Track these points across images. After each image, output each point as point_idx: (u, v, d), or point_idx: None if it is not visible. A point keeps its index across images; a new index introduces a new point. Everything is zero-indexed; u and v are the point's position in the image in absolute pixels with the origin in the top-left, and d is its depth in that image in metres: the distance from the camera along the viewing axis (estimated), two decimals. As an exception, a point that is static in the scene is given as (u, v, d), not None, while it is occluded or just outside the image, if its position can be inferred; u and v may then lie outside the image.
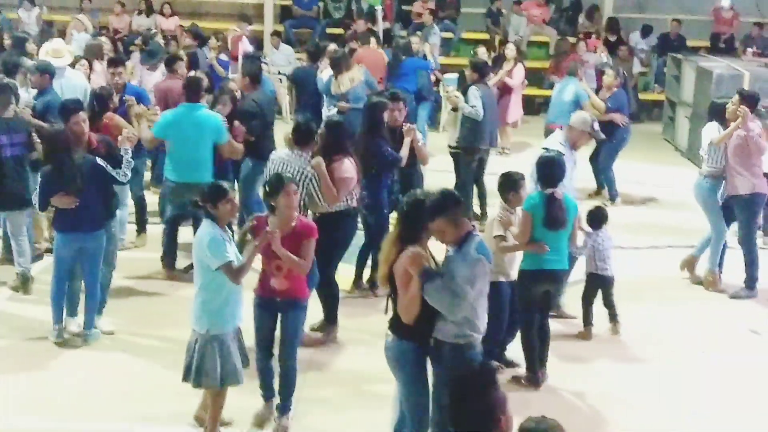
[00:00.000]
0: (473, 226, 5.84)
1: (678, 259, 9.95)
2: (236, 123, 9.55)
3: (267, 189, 6.38)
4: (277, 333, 6.55)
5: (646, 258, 10.51)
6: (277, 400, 6.59)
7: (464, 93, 11.34)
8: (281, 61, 17.24)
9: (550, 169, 7.38)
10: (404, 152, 8.85)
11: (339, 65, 12.14)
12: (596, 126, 9.05)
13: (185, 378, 6.26)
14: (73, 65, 11.39)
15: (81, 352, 7.81)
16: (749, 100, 9.46)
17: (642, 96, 19.04)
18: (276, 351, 6.57)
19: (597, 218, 8.42)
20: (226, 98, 9.70)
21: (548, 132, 11.61)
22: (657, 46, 19.43)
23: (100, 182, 7.75)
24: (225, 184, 6.57)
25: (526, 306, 7.37)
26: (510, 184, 7.37)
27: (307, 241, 6.39)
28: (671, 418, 7.01)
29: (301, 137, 7.88)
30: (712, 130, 9.56)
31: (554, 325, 7.59)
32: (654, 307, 8.98)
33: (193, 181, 8.85)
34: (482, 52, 15.68)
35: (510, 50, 15.40)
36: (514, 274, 7.44)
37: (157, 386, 7.20)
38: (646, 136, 16.69)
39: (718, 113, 9.63)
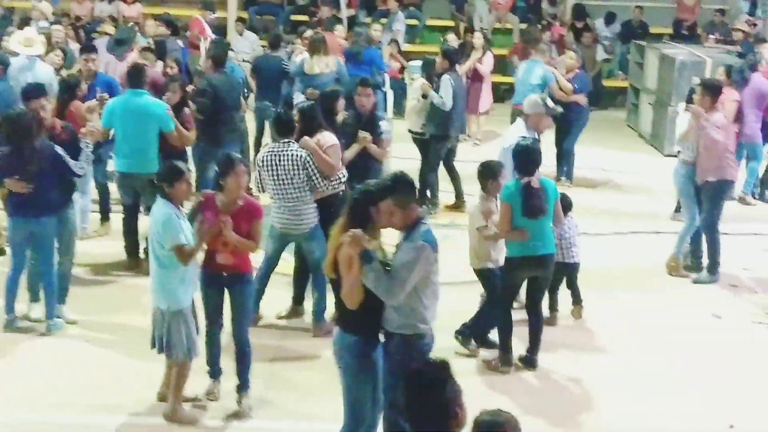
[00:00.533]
0: (426, 214, 5.84)
1: (642, 244, 10.02)
2: (186, 110, 9.41)
3: (218, 168, 6.58)
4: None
5: (610, 244, 10.59)
6: (234, 381, 6.68)
7: (436, 81, 11.33)
8: (245, 48, 17.10)
9: (527, 157, 7.35)
10: (350, 154, 8.65)
11: (317, 47, 12.26)
12: (549, 103, 9.02)
13: (156, 349, 6.47)
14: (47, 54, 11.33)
15: (44, 341, 7.74)
16: (711, 90, 9.48)
17: (606, 83, 19.13)
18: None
19: (562, 206, 8.41)
20: (176, 86, 9.50)
21: (516, 114, 11.72)
22: (620, 33, 19.54)
23: (56, 171, 7.67)
24: (181, 164, 6.62)
25: (507, 291, 7.43)
26: (489, 172, 7.39)
27: (256, 221, 6.58)
28: (635, 402, 7.07)
29: (282, 127, 7.88)
30: (683, 121, 9.68)
31: (517, 314, 7.61)
32: (618, 293, 9.05)
33: (137, 171, 8.86)
34: (452, 39, 15.72)
35: (477, 39, 15.42)
36: (501, 261, 7.50)
37: (122, 375, 7.16)
38: (610, 122, 16.80)
39: (692, 101, 9.81)
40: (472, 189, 7.74)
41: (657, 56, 15.94)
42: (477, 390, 7.07)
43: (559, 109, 10.24)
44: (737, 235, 11.07)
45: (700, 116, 9.28)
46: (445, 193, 11.53)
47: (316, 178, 7.70)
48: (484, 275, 7.57)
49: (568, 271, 8.37)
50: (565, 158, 12.88)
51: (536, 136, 8.49)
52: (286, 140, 7.79)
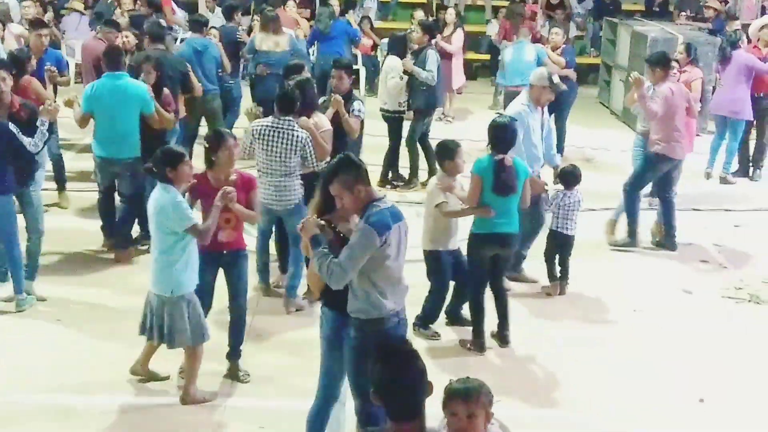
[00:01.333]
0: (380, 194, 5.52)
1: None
2: (165, 91, 9.25)
3: (208, 144, 6.55)
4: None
5: (583, 219, 10.57)
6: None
7: (418, 54, 11.35)
8: (217, 24, 16.96)
9: (502, 134, 7.33)
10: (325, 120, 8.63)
11: (266, 25, 12.24)
12: (556, 78, 9.01)
13: (151, 339, 6.43)
14: None
15: (14, 320, 7.68)
16: (656, 63, 9.62)
17: (578, 60, 19.07)
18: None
19: (570, 177, 8.52)
20: (150, 66, 9.20)
21: (509, 96, 11.83)
22: (592, 10, 19.56)
23: (9, 149, 7.49)
24: (179, 147, 6.65)
25: (476, 269, 7.41)
26: (446, 152, 7.36)
27: (253, 193, 6.69)
28: (605, 377, 7.11)
29: (286, 104, 7.81)
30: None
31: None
32: (589, 269, 9.06)
33: (118, 156, 8.76)
34: (420, 15, 15.66)
35: (449, 15, 15.37)
36: (453, 244, 7.49)
37: (92, 355, 7.12)
38: (582, 99, 16.73)
39: None
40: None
41: (629, 33, 15.97)
42: (448, 369, 7.11)
43: (564, 87, 10.22)
44: (708, 211, 11.19)
45: (639, 85, 9.43)
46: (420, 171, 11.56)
47: (312, 160, 7.74)
48: (433, 258, 7.48)
49: (563, 245, 8.45)
50: (558, 134, 12.95)
51: (528, 110, 8.35)
52: (287, 118, 7.76)
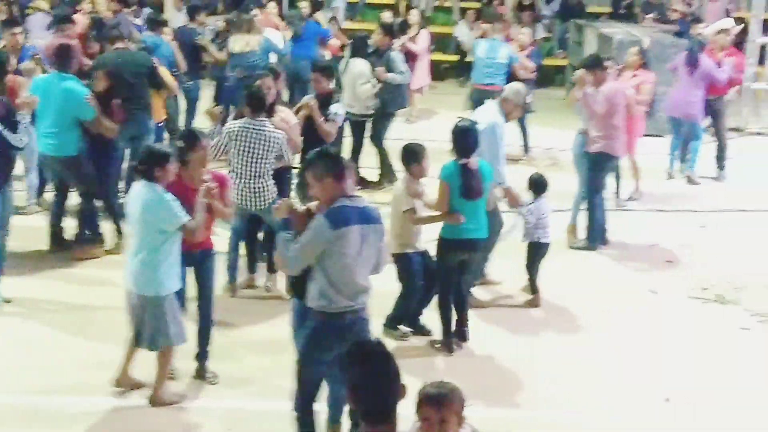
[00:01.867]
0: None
1: (581, 222, 10.10)
2: (115, 100, 9.04)
3: (183, 143, 6.55)
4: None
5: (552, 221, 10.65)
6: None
7: (380, 56, 11.41)
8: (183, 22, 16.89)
9: (465, 139, 7.32)
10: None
11: (238, 25, 12.26)
12: (529, 99, 9.04)
13: (138, 344, 6.34)
14: None
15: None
16: (592, 66, 9.74)
17: (545, 61, 19.21)
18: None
19: (539, 185, 8.48)
20: (101, 73, 9.10)
21: (477, 93, 12.07)
22: (559, 12, 19.66)
23: None
24: (165, 146, 6.78)
25: (444, 273, 7.41)
26: (412, 155, 7.32)
27: (227, 191, 6.72)
28: (572, 378, 7.15)
29: (257, 104, 7.86)
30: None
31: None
32: (556, 270, 9.09)
33: (52, 153, 8.69)
34: (387, 16, 15.65)
35: (413, 16, 15.40)
36: (421, 245, 7.49)
37: (60, 357, 7.06)
38: (550, 100, 16.87)
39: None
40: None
41: (595, 35, 16.08)
42: (416, 370, 7.11)
43: (533, 109, 10.42)
44: (674, 212, 11.28)
45: (583, 84, 9.60)
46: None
47: (287, 157, 7.87)
48: (402, 261, 7.44)
49: (543, 252, 8.43)
50: (523, 133, 13.11)
51: (501, 121, 8.34)
52: (261, 118, 7.82)
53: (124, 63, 9.80)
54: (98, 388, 6.58)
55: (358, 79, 11.06)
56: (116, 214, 8.88)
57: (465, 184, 7.17)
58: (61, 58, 8.80)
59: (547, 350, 7.59)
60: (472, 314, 7.67)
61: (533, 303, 8.42)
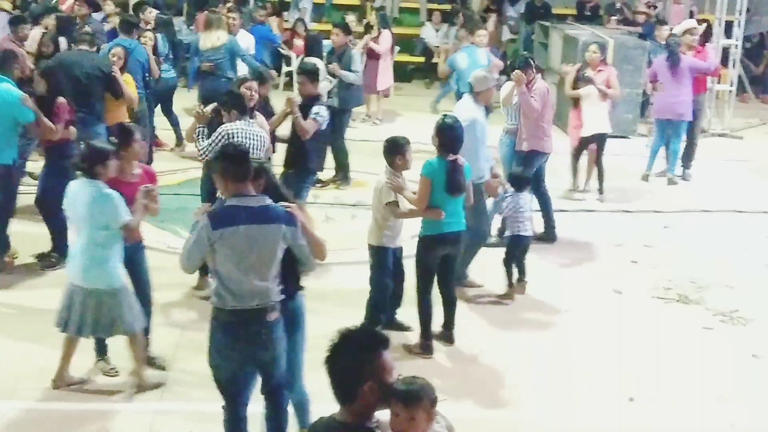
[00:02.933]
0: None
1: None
2: (59, 100, 8.73)
3: (116, 138, 6.74)
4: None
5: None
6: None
7: (340, 56, 11.59)
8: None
9: (452, 135, 7.34)
10: (276, 119, 9.09)
11: (210, 23, 12.43)
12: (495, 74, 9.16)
13: (84, 335, 6.42)
14: None
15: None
16: (525, 67, 9.84)
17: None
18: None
19: (521, 181, 8.68)
20: (38, 75, 8.89)
21: None
22: (524, 14, 19.73)
23: None
24: (104, 143, 6.78)
25: (425, 271, 7.40)
26: (396, 148, 7.30)
27: (156, 185, 6.81)
28: (535, 378, 7.16)
29: (241, 106, 7.91)
30: (504, 89, 10.12)
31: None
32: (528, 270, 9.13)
33: None
34: (351, 19, 15.66)
35: (372, 17, 15.52)
36: (399, 242, 7.49)
37: (19, 359, 6.97)
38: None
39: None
40: (374, 167, 7.79)
41: (561, 37, 16.15)
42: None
43: (503, 79, 10.59)
44: (638, 212, 11.35)
45: (520, 81, 9.65)
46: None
47: (268, 157, 7.91)
48: (379, 254, 7.44)
49: (521, 245, 8.53)
50: None
51: (481, 114, 8.48)
52: (250, 119, 7.92)
53: (77, 64, 9.70)
54: (56, 392, 6.52)
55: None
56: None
57: (451, 180, 7.20)
58: (1, 62, 8.57)
59: (510, 350, 7.60)
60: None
61: (510, 295, 8.51)
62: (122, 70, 10.19)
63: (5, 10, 15.51)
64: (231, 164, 5.30)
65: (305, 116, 8.87)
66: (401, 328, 7.67)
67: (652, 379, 7.22)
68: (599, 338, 7.90)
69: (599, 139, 11.55)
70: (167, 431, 6.21)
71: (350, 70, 11.71)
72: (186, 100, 13.75)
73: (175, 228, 9.79)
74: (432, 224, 7.30)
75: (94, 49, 10.49)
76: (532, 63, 10.06)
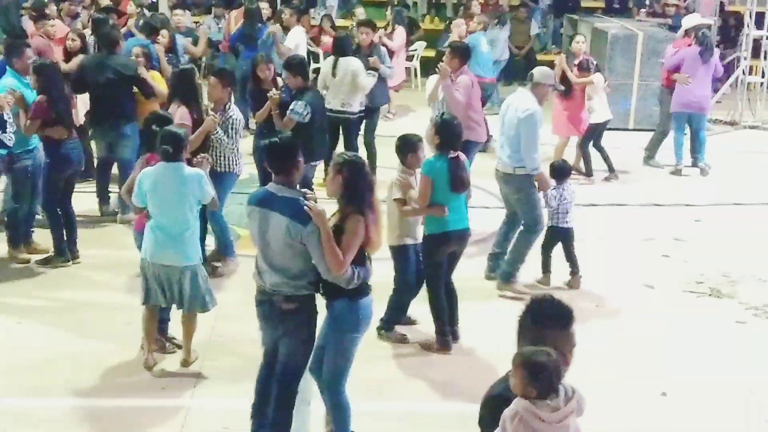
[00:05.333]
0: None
1: (578, 217, 10.05)
2: (39, 98, 8.57)
3: (159, 127, 7.08)
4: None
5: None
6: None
7: (368, 53, 11.66)
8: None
9: (453, 132, 7.33)
10: (259, 113, 9.56)
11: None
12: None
13: (156, 303, 6.77)
14: None
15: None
16: (458, 52, 9.85)
17: (539, 56, 19.20)
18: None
19: (562, 172, 8.71)
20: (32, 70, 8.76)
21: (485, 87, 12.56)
22: (553, 7, 19.64)
23: None
24: (178, 127, 7.10)
25: (433, 270, 7.38)
26: (409, 146, 7.30)
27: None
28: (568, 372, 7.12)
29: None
30: (430, 83, 10.08)
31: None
32: (553, 263, 9.08)
33: None
34: (361, 12, 15.74)
35: (388, 13, 15.61)
36: (419, 236, 7.46)
37: (49, 355, 7.03)
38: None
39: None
40: (387, 161, 7.82)
41: (589, 30, 16.06)
42: (414, 369, 7.13)
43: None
44: (669, 206, 11.27)
45: (445, 74, 9.59)
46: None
47: None
48: (400, 253, 7.42)
49: (565, 239, 8.60)
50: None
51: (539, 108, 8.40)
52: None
53: (101, 66, 9.81)
54: (91, 388, 6.59)
55: (358, 75, 10.98)
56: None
57: (454, 178, 7.18)
58: (6, 53, 8.95)
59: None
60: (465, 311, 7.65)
61: (543, 282, 8.62)
62: (147, 68, 10.22)
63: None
64: (271, 154, 5.57)
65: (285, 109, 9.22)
66: (409, 322, 7.69)
67: (684, 373, 7.17)
68: (631, 333, 7.85)
69: (605, 125, 12.10)
70: (200, 428, 6.24)
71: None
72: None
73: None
74: (436, 223, 7.27)
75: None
76: (467, 52, 10.06)
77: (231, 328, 7.57)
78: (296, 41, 13.59)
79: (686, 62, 12.45)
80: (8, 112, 7.82)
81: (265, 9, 14.82)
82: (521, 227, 8.49)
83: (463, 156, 7.32)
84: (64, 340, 7.24)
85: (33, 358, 7.01)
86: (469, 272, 8.31)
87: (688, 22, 13.34)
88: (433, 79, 9.98)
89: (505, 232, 8.72)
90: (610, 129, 14.05)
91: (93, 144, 10.49)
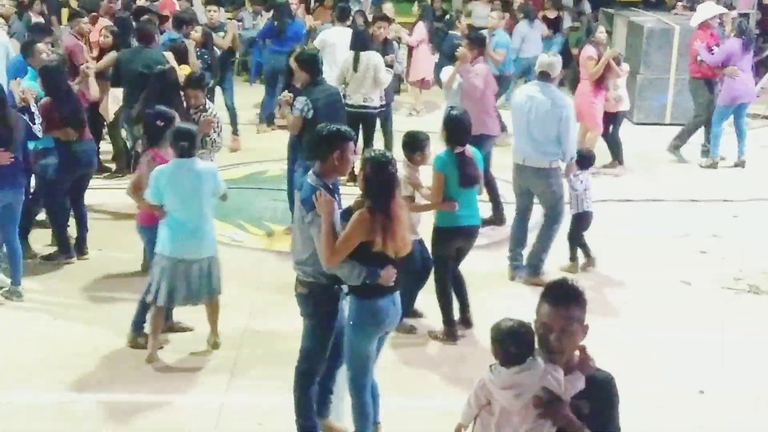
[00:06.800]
0: None
1: (613, 213, 10.02)
2: (43, 100, 8.55)
3: (164, 123, 7.19)
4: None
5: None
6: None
7: (384, 47, 11.75)
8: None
9: (460, 127, 7.36)
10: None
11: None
12: None
13: (195, 301, 6.96)
14: None
15: (3, 315, 7.64)
16: (476, 42, 9.96)
17: (574, 51, 19.06)
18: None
19: (587, 159, 8.95)
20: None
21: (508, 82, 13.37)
22: (588, 0, 19.50)
23: (25, 138, 7.80)
24: (191, 125, 7.24)
25: (441, 263, 7.40)
26: (417, 143, 7.27)
27: None
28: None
29: None
30: (445, 73, 10.02)
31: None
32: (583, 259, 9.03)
33: None
34: (388, 7, 15.75)
35: (415, 7, 15.76)
36: (421, 232, 7.43)
37: (85, 351, 7.06)
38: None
39: (453, 55, 10.15)
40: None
41: (625, 24, 15.93)
42: (421, 360, 7.14)
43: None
44: (706, 202, 11.15)
45: (465, 58, 9.64)
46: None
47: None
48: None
49: (588, 221, 8.81)
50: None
51: None
52: None
53: (135, 60, 9.92)
54: (127, 384, 6.62)
55: (380, 70, 10.96)
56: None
57: (462, 173, 7.20)
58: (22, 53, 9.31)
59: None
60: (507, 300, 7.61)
61: (570, 270, 8.70)
62: (180, 62, 10.26)
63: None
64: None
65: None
66: (415, 314, 7.69)
67: (722, 371, 7.09)
68: (668, 330, 7.77)
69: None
70: (235, 424, 6.24)
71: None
72: (253, 95, 13.89)
73: (239, 221, 9.88)
74: (446, 216, 7.28)
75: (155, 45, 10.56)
76: (483, 41, 10.20)
77: (266, 324, 7.58)
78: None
79: (734, 56, 12.34)
80: (35, 105, 7.91)
81: (294, 3, 14.71)
82: (545, 219, 8.54)
83: (470, 151, 7.33)
84: (99, 336, 7.28)
85: (70, 354, 7.05)
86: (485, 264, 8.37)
87: (704, 13, 13.12)
88: (447, 69, 10.07)
89: (522, 230, 8.70)
90: (646, 124, 13.96)
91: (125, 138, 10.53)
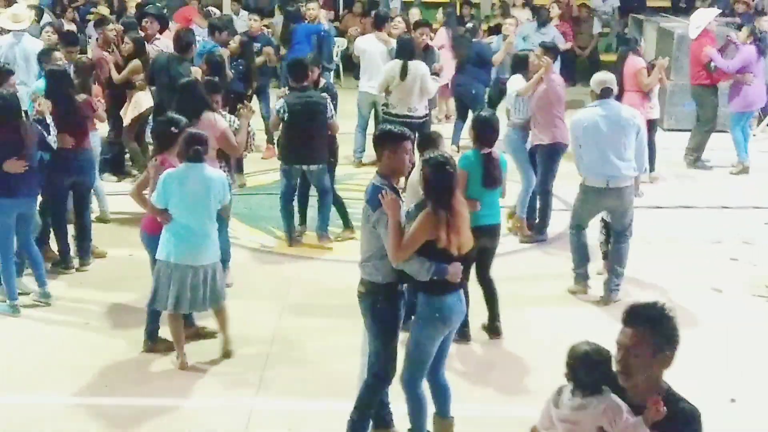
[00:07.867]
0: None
1: (643, 218, 9.93)
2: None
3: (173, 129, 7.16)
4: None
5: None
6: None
7: (425, 55, 11.67)
8: (242, 27, 17.00)
9: (488, 128, 7.45)
10: None
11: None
12: None
13: (202, 307, 6.92)
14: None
15: (20, 322, 7.70)
16: (552, 51, 9.94)
17: (603, 57, 19.00)
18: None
19: None
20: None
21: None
22: (618, 6, 19.43)
23: (38, 147, 7.83)
24: (200, 131, 7.08)
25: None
26: (430, 142, 7.23)
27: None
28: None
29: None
30: (517, 82, 9.86)
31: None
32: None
33: None
34: (414, 13, 15.83)
35: (440, 13, 15.82)
36: None
37: (112, 355, 7.12)
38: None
39: (521, 65, 10.01)
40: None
41: (655, 30, 15.86)
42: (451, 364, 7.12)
43: None
44: (737, 209, 11.07)
45: (549, 68, 9.54)
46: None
47: None
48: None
49: None
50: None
51: None
52: None
53: (165, 69, 10.07)
54: (157, 388, 6.67)
55: (427, 80, 10.87)
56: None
57: (487, 174, 7.27)
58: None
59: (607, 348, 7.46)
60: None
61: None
62: (214, 74, 10.30)
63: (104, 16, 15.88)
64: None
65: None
66: None
67: (754, 379, 7.04)
68: (698, 337, 7.68)
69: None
70: (264, 428, 6.25)
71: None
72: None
73: (268, 227, 9.92)
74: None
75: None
76: (557, 49, 10.23)
77: (295, 329, 7.61)
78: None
79: (751, 62, 12.37)
80: (49, 116, 7.99)
81: (313, 9, 14.55)
82: (621, 236, 8.38)
83: (496, 153, 7.40)
84: (127, 341, 7.32)
85: (98, 358, 7.10)
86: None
87: (701, 20, 13.03)
88: (517, 78, 9.87)
89: (586, 245, 8.60)
90: (676, 130, 13.89)
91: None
